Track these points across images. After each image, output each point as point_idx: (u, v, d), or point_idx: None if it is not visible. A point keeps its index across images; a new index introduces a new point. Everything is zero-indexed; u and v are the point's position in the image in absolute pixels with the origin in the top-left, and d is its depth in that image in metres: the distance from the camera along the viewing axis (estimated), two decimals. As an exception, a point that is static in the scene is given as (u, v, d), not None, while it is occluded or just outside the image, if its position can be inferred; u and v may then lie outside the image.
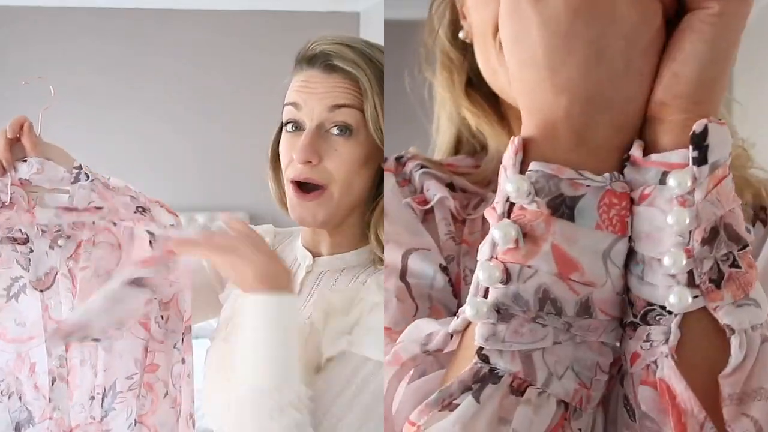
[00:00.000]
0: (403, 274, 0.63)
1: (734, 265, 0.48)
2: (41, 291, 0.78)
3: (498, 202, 0.50)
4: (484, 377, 0.47)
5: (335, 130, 0.83)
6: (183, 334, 0.89)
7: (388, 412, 0.52)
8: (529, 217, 0.48)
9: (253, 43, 3.91)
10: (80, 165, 0.87)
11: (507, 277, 0.47)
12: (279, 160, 0.93)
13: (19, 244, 0.79)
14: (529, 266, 0.47)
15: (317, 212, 0.85)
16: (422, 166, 0.72)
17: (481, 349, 0.48)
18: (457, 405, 0.47)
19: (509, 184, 0.48)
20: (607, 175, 0.48)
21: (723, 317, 0.47)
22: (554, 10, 0.47)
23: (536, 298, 0.47)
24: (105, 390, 0.81)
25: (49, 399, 0.77)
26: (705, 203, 0.47)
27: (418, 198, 0.69)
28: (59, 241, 0.80)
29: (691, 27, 0.47)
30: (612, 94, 0.48)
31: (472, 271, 0.53)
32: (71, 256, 0.81)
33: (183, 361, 0.89)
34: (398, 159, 0.75)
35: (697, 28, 0.47)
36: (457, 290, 0.64)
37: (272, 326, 0.77)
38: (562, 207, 0.47)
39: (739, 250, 0.48)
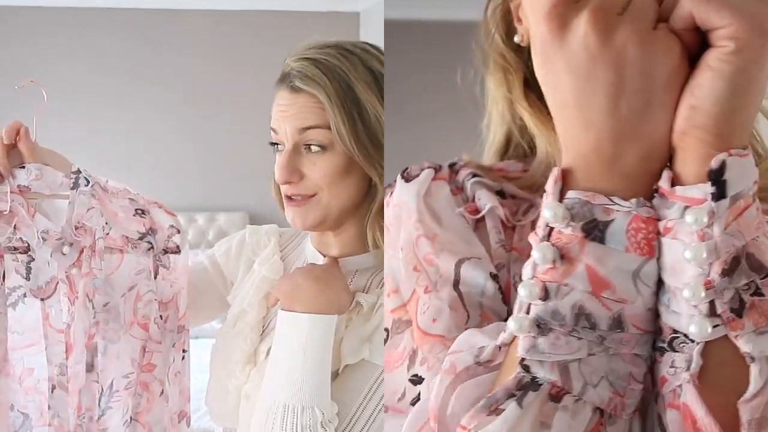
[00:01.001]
0: (456, 283, 0.66)
1: (757, 293, 0.50)
2: (42, 299, 0.77)
3: (539, 227, 0.55)
4: (526, 385, 0.53)
5: (312, 147, 0.84)
6: (179, 333, 0.90)
7: (442, 417, 0.56)
8: (565, 240, 0.53)
9: (253, 43, 3.91)
10: (78, 169, 0.85)
11: (546, 295, 0.52)
12: None
13: (20, 253, 0.77)
14: (566, 284, 0.52)
15: (306, 216, 0.86)
16: (474, 174, 0.73)
17: (523, 359, 0.53)
18: (503, 410, 0.52)
19: (548, 210, 0.53)
20: (634, 200, 0.52)
21: (743, 345, 0.49)
22: (576, 56, 0.51)
23: (572, 314, 0.52)
24: (102, 390, 0.81)
25: (49, 406, 0.76)
26: (724, 236, 0.49)
27: (470, 207, 0.71)
28: (63, 249, 0.79)
29: (709, 64, 0.49)
30: (636, 126, 0.51)
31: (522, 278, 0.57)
32: (74, 263, 0.79)
33: (183, 358, 0.90)
34: (451, 166, 0.75)
35: (714, 66, 0.49)
36: (507, 297, 0.67)
37: (314, 346, 0.80)
38: (595, 231, 0.52)
39: (762, 278, 0.50)
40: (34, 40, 3.82)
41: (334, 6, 3.90)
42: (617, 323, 0.52)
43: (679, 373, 0.51)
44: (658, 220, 0.52)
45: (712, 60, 0.49)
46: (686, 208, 0.50)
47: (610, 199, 0.52)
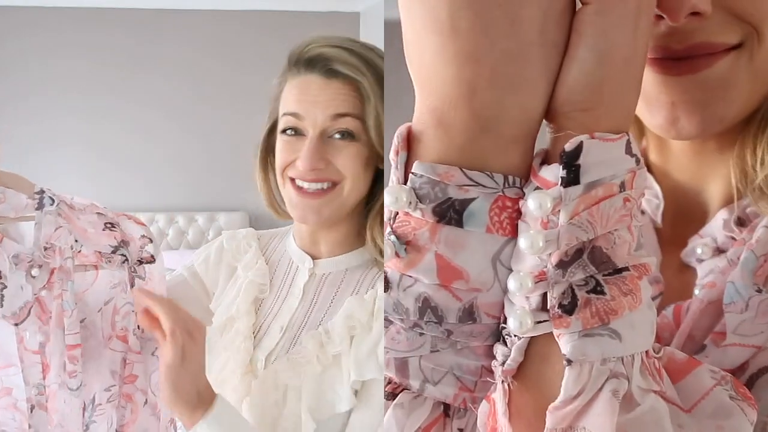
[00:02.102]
0: None
1: (596, 291, 0.43)
2: (16, 324, 0.75)
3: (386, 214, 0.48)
4: None
5: (337, 135, 0.83)
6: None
7: None
8: (414, 224, 0.45)
9: (252, 43, 3.91)
10: (42, 189, 0.81)
11: (387, 286, 0.46)
12: (268, 162, 0.94)
13: None
14: (410, 275, 0.45)
15: (322, 210, 0.85)
16: None
17: None
18: None
19: (387, 194, 0.45)
20: (501, 178, 0.44)
21: (563, 346, 0.43)
22: None
23: (416, 307, 0.45)
24: (84, 404, 0.80)
25: (29, 425, 0.75)
26: (569, 226, 0.43)
27: None
28: (33, 271, 0.76)
29: (575, 26, 0.43)
30: (524, 69, 0.42)
31: None
32: (45, 285, 0.77)
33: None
34: None
35: (578, 28, 0.42)
36: None
37: None
38: (450, 213, 0.44)
39: (607, 275, 0.44)
40: (34, 37, 3.83)
41: (334, 6, 3.90)
42: (468, 314, 0.45)
43: (497, 366, 0.46)
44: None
45: (577, 20, 0.42)
46: (536, 189, 0.44)
47: (470, 179, 0.44)
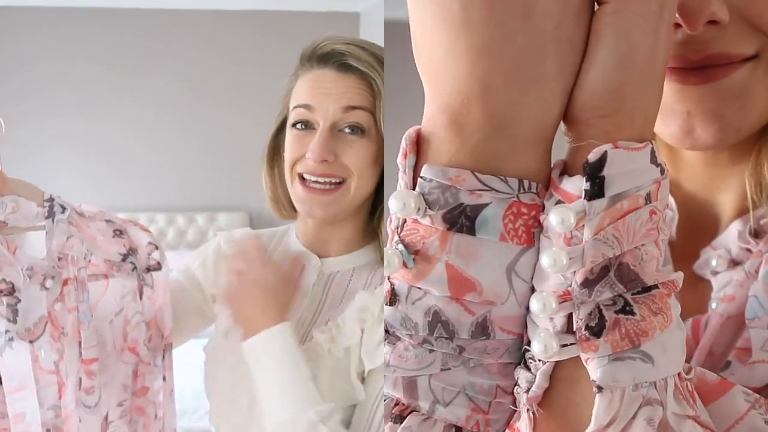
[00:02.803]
0: None
1: (625, 311, 0.41)
2: (30, 342, 0.71)
3: (392, 220, 0.45)
4: None
5: (348, 129, 0.84)
6: (164, 351, 0.87)
7: None
8: (423, 233, 0.42)
9: (252, 43, 3.90)
10: (51, 197, 0.78)
11: (393, 299, 0.44)
12: (275, 159, 0.94)
13: (4, 295, 0.70)
14: (419, 287, 0.43)
15: (329, 206, 0.85)
16: None
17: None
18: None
19: (393, 200, 0.43)
20: (515, 182, 0.42)
21: (592, 371, 0.40)
22: None
23: (426, 321, 0.43)
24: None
25: None
26: (594, 242, 0.40)
27: None
28: (47, 283, 0.73)
29: (593, 27, 0.41)
30: (540, 66, 0.40)
31: None
32: (57, 297, 0.74)
33: (164, 378, 0.87)
34: None
35: (596, 29, 0.40)
36: None
37: (274, 362, 0.79)
38: (461, 219, 0.42)
39: (636, 294, 0.41)
40: (34, 37, 3.81)
41: (334, 6, 3.89)
42: (481, 329, 0.42)
43: (520, 393, 0.43)
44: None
45: (596, 21, 0.41)
46: (558, 203, 0.41)
47: (483, 183, 0.41)
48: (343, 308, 0.88)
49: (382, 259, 0.89)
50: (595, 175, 0.40)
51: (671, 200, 0.65)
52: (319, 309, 0.91)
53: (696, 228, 0.64)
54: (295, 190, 0.87)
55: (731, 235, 0.60)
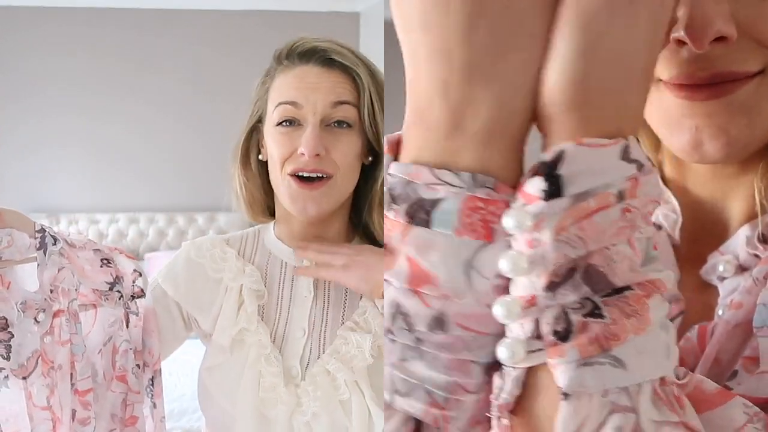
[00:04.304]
0: None
1: (594, 314, 0.39)
2: (24, 378, 0.70)
3: None
4: None
5: (335, 124, 0.85)
6: (152, 378, 0.86)
7: None
8: (389, 226, 0.43)
9: (252, 43, 3.89)
10: (42, 227, 0.77)
11: None
12: (249, 157, 0.93)
13: None
14: (386, 279, 0.43)
15: (322, 201, 0.85)
16: None
17: None
18: None
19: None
20: (467, 176, 0.41)
21: (559, 377, 0.39)
22: None
23: (389, 312, 0.43)
24: None
25: None
26: (556, 243, 0.39)
27: None
28: (38, 316, 0.72)
29: (556, 19, 0.39)
30: (496, 63, 0.39)
31: None
32: (47, 330, 0.73)
33: (154, 405, 0.85)
34: None
35: (557, 20, 0.39)
36: None
37: None
38: (420, 213, 0.42)
39: (606, 296, 0.39)
40: (35, 35, 3.81)
41: (334, 6, 3.88)
42: (437, 323, 0.42)
43: (492, 401, 0.42)
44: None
45: (558, 12, 0.39)
46: (523, 205, 0.40)
47: (437, 177, 0.41)
48: (352, 303, 0.89)
49: None
50: (551, 174, 0.39)
51: (675, 203, 0.65)
52: (326, 307, 0.90)
53: (704, 233, 0.63)
54: (288, 188, 0.85)
55: (739, 241, 0.60)
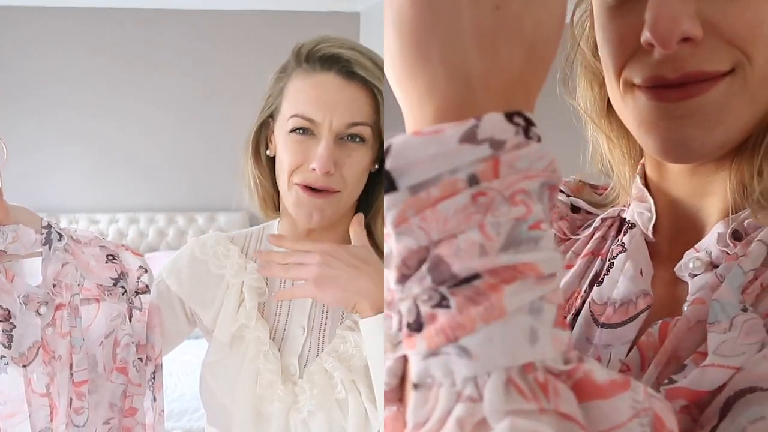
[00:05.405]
0: None
1: (441, 305, 0.38)
2: (24, 366, 0.73)
3: None
4: None
5: (348, 138, 0.84)
6: (154, 372, 0.87)
7: None
8: None
9: (252, 43, 3.90)
10: (48, 224, 0.79)
11: None
12: (260, 153, 0.93)
13: (1, 321, 0.71)
14: None
15: (326, 211, 0.85)
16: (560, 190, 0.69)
17: None
18: None
19: None
20: None
21: (412, 368, 0.39)
22: None
23: None
24: None
25: None
26: (397, 235, 0.38)
27: None
28: (40, 309, 0.75)
29: None
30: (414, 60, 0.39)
31: None
32: (49, 322, 0.75)
33: (154, 399, 0.87)
34: None
35: None
36: None
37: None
38: None
39: (454, 286, 0.38)
40: (35, 34, 3.82)
41: (334, 6, 3.89)
42: None
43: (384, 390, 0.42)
44: None
45: None
46: None
47: None
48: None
49: (376, 252, 0.90)
50: (385, 170, 0.38)
51: (651, 203, 0.65)
52: (325, 307, 0.91)
53: (682, 231, 0.64)
54: (295, 196, 0.86)
55: (713, 238, 0.60)
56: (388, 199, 0.38)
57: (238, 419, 0.86)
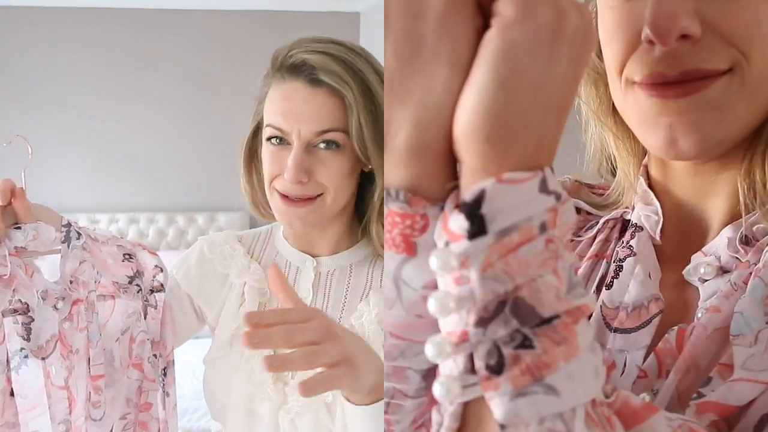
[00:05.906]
0: None
1: (524, 345, 0.39)
2: (43, 359, 0.75)
3: None
4: None
5: (322, 145, 0.83)
6: (165, 368, 0.89)
7: None
8: None
9: (252, 43, 3.90)
10: (68, 222, 0.81)
11: None
12: (253, 163, 0.94)
13: (19, 314, 0.74)
14: None
15: (309, 218, 0.85)
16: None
17: None
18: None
19: None
20: (385, 193, 0.43)
21: (495, 410, 0.39)
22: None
23: None
24: None
25: None
26: (483, 280, 0.39)
27: None
28: (58, 304, 0.77)
29: (479, 50, 0.40)
30: (404, 81, 0.41)
31: None
32: (66, 317, 0.77)
33: (167, 394, 0.88)
34: None
35: (479, 51, 0.40)
36: None
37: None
38: None
39: (536, 327, 0.39)
40: (36, 34, 3.82)
41: (334, 6, 3.89)
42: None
43: None
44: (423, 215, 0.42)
45: (481, 44, 0.40)
46: (447, 244, 0.40)
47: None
48: (350, 306, 0.89)
49: (377, 253, 0.91)
50: (475, 214, 0.39)
51: (657, 205, 0.66)
52: (324, 307, 0.91)
53: (687, 232, 0.64)
54: (275, 204, 0.86)
55: (722, 242, 0.60)
56: (473, 244, 0.39)
57: (232, 416, 0.88)
